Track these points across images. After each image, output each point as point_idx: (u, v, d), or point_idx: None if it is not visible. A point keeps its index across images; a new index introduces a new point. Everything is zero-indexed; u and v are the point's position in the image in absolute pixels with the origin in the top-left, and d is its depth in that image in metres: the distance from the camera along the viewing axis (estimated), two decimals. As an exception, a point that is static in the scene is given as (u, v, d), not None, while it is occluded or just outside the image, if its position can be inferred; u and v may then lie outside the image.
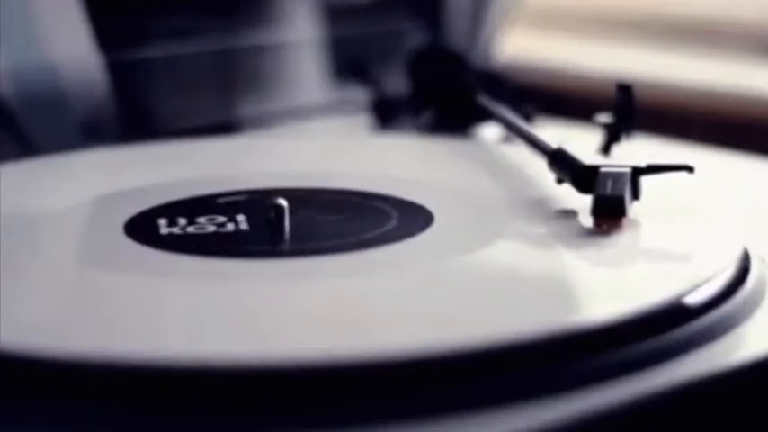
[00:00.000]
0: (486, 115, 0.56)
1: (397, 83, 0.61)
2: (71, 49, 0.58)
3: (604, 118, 0.50)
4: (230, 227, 0.41)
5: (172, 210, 0.43)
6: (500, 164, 0.49)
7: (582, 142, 0.47)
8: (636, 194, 0.41)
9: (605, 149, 0.50)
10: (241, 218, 0.42)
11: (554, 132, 0.50)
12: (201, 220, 0.42)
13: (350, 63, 0.64)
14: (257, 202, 0.42)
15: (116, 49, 0.60)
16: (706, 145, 0.57)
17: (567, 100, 0.68)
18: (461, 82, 0.58)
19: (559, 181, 0.44)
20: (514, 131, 0.50)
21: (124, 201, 0.44)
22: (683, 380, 0.32)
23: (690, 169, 0.41)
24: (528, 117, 0.57)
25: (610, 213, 0.40)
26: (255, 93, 0.65)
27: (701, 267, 0.37)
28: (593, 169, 0.41)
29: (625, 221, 0.40)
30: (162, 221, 0.41)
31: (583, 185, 0.42)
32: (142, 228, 0.41)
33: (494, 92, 0.57)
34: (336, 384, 0.30)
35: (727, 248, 0.39)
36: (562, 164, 0.43)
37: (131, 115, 0.60)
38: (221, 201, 0.44)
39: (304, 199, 0.43)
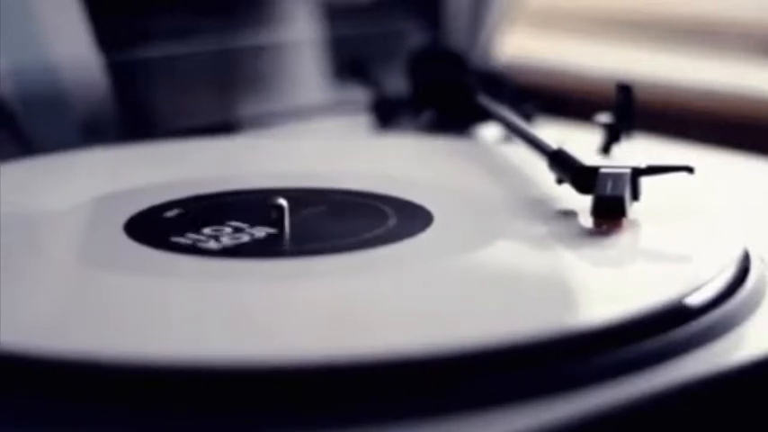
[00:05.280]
0: (486, 115, 0.56)
1: (397, 83, 0.61)
2: (71, 49, 0.58)
3: (604, 118, 0.50)
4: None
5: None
6: (500, 164, 0.49)
7: (582, 142, 0.47)
8: (636, 195, 0.41)
9: (605, 149, 0.50)
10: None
11: (554, 132, 0.50)
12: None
13: (350, 63, 0.64)
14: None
15: (116, 49, 0.60)
16: (706, 145, 0.57)
17: (567, 100, 0.68)
18: (461, 82, 0.58)
19: (559, 181, 0.44)
20: (514, 131, 0.50)
21: (124, 200, 0.44)
22: (683, 380, 0.32)
23: (690, 170, 0.41)
24: (528, 117, 0.57)
25: (610, 214, 0.40)
26: (255, 93, 0.65)
27: (701, 268, 0.37)
28: (593, 170, 0.41)
29: (625, 222, 0.40)
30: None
31: (583, 186, 0.42)
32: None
33: (494, 92, 0.57)
34: (336, 384, 0.30)
35: (727, 249, 0.39)
36: (562, 164, 0.43)
37: (131, 115, 0.60)
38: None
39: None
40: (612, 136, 0.50)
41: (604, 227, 0.40)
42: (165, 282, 0.36)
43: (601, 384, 0.32)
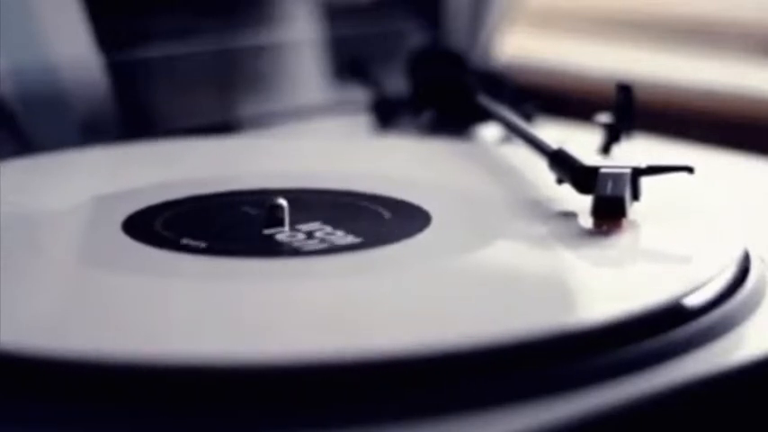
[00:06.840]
0: (486, 115, 0.56)
1: (397, 83, 0.61)
2: (71, 49, 0.58)
3: (604, 118, 0.50)
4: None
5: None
6: (500, 164, 0.49)
7: (582, 142, 0.47)
8: (636, 195, 0.41)
9: (605, 149, 0.50)
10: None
11: (554, 132, 0.50)
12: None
13: (350, 63, 0.64)
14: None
15: (116, 49, 0.60)
16: (706, 145, 0.57)
17: (567, 100, 0.68)
18: (461, 82, 0.58)
19: (559, 181, 0.44)
20: (514, 131, 0.50)
21: (124, 200, 0.44)
22: (683, 380, 0.32)
23: (690, 170, 0.41)
24: (528, 117, 0.57)
25: (610, 214, 0.40)
26: (255, 93, 0.65)
27: (700, 268, 0.37)
28: (594, 170, 0.41)
29: (625, 222, 0.40)
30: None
31: (583, 186, 0.42)
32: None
33: (494, 92, 0.57)
34: (335, 384, 0.30)
35: (727, 249, 0.39)
36: (562, 164, 0.43)
37: (131, 115, 0.60)
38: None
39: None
40: (612, 136, 0.50)
41: (604, 227, 0.40)
42: (165, 281, 0.36)
43: (601, 384, 0.32)
